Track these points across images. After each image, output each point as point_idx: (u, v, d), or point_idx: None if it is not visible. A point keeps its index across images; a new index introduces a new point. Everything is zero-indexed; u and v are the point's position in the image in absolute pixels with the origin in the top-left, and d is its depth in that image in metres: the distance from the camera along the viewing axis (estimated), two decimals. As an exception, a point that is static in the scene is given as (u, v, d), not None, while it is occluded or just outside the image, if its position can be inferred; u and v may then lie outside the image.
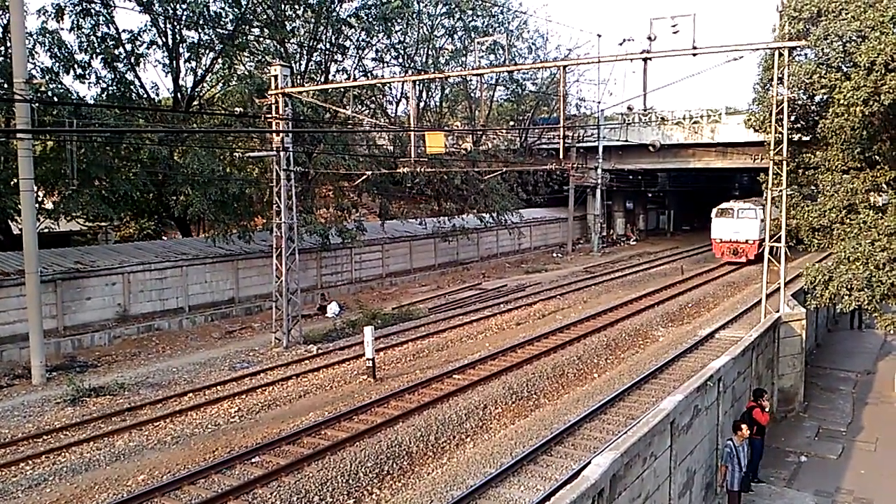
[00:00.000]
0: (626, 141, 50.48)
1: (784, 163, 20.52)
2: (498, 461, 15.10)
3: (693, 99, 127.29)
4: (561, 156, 23.09)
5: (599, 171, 53.63)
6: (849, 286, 18.86)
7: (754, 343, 17.16)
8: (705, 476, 13.83)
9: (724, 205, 44.40)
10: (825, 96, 20.42)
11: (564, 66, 21.90)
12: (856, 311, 27.62)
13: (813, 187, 23.37)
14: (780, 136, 20.17)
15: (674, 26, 18.90)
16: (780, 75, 19.72)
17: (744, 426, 13.99)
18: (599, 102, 53.16)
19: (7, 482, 14.28)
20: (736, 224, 42.83)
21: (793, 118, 21.87)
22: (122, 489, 13.97)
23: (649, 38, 19.16)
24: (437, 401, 18.50)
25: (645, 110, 31.58)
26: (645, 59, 19.08)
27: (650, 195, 65.93)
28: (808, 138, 23.21)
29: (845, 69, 19.01)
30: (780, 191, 20.73)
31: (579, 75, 60.13)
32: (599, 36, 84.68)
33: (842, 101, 18.55)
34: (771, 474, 15.94)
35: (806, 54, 21.12)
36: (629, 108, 29.91)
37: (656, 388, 19.73)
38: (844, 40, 18.64)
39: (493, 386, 19.90)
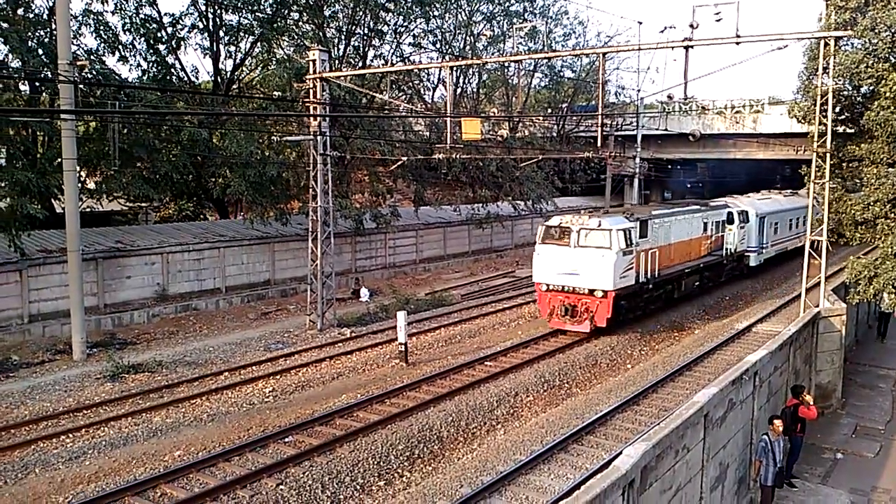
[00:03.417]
0: (666, 130, 49.80)
1: (827, 155, 20.10)
2: (528, 448, 15.10)
3: (735, 88, 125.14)
4: (599, 144, 22.95)
5: (637, 160, 53.04)
6: (895, 284, 18.43)
7: (792, 337, 16.90)
8: (738, 470, 13.68)
9: (556, 219, 23.95)
10: (871, 87, 19.95)
11: (604, 54, 21.70)
12: (885, 317, 26.98)
13: (856, 180, 22.86)
14: (825, 127, 19.75)
15: (717, 14, 18.59)
16: (825, 65, 19.29)
17: (777, 421, 13.81)
18: (639, 90, 52.48)
19: (48, 454, 14.67)
20: (576, 257, 22.75)
21: (837, 109, 21.38)
22: (159, 464, 14.26)
23: (691, 26, 18.88)
24: (468, 387, 18.56)
25: (685, 99, 31.11)
26: (686, 48, 18.80)
27: (689, 185, 65.02)
28: (852, 130, 22.69)
29: (893, 60, 18.52)
30: (823, 183, 20.31)
31: (619, 63, 59.55)
32: (640, 23, 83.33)
33: (888, 93, 18.09)
34: (806, 471, 15.73)
35: (852, 44, 20.64)
36: (669, 97, 29.39)
37: (690, 380, 19.53)
38: (893, 30, 18.16)
39: (525, 374, 19.88)
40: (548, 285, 23.53)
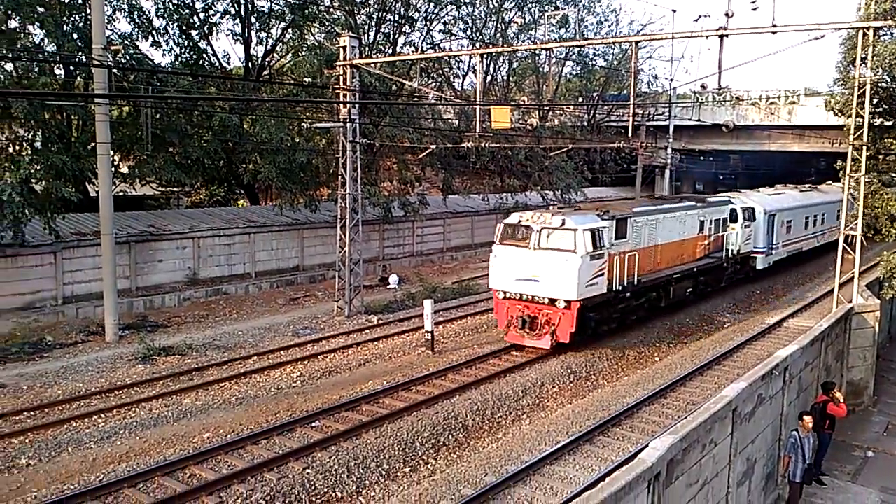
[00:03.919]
0: (699, 120, 49.19)
1: (864, 148, 19.71)
2: (553, 439, 15.08)
3: (770, 79, 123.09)
4: (630, 134, 22.76)
5: (669, 150, 52.49)
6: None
7: (824, 333, 16.66)
8: (766, 466, 13.55)
9: (516, 216, 21.16)
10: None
11: (637, 42, 21.45)
12: None
13: (893, 174, 22.41)
14: (862, 120, 19.36)
15: (753, 3, 18.31)
16: (863, 56, 18.88)
17: (806, 417, 13.65)
18: (672, 80, 51.85)
19: (81, 433, 14.95)
20: (535, 261, 19.91)
21: (875, 101, 20.92)
22: (188, 445, 14.47)
23: (727, 15, 18.60)
24: (494, 376, 18.57)
25: (719, 89, 30.70)
26: (721, 37, 18.50)
27: (721, 177, 64.19)
28: (890, 123, 22.22)
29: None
30: (858, 177, 19.94)
31: (652, 52, 58.86)
32: (674, 11, 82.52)
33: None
34: (835, 468, 15.53)
35: (892, 34, 20.18)
36: (703, 87, 29.12)
37: (719, 374, 19.37)
38: (936, 21, 17.73)
39: (551, 365, 19.83)
40: (505, 293, 20.70)
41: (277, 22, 31.96)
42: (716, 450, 10.91)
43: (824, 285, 30.71)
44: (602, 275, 20.27)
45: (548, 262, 19.61)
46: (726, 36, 18.45)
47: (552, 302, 19.82)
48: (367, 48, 32.79)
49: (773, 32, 17.83)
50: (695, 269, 26.18)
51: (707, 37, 19.04)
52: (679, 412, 16.39)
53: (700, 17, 31.22)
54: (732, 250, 29.01)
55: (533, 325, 20.20)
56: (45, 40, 24.89)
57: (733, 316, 27.08)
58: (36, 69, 24.43)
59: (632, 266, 21.76)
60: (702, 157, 57.31)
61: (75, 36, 24.81)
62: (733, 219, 29.16)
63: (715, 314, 27.01)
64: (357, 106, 25.07)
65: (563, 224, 19.64)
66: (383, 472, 13.84)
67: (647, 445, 9.51)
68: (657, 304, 24.54)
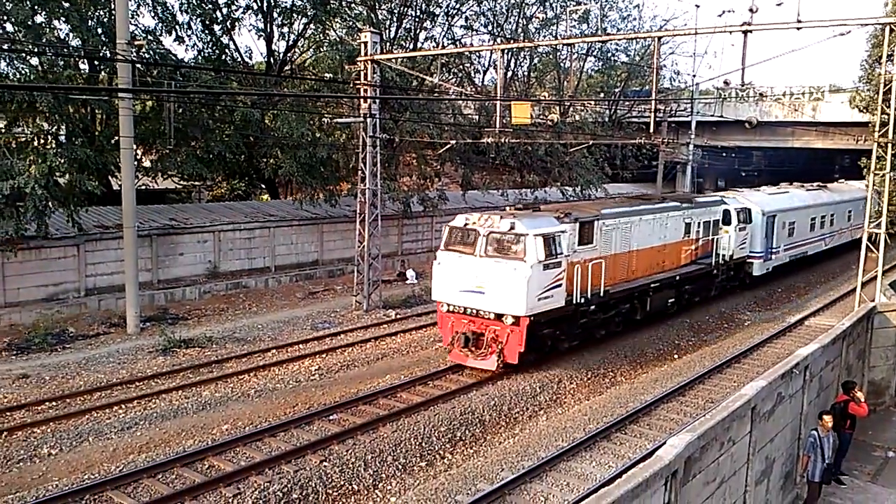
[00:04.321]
0: (721, 116, 48.75)
1: (889, 145, 19.44)
2: (571, 436, 15.07)
3: (795, 75, 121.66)
4: (651, 130, 22.58)
5: (691, 146, 52.10)
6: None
7: (846, 332, 16.45)
8: (785, 465, 13.43)
9: (461, 218, 18.95)
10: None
11: (659, 38, 21.28)
12: None
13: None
14: (887, 116, 19.10)
15: (778, -3, 18.07)
16: (889, 52, 18.62)
17: (826, 416, 13.52)
18: (694, 76, 51.48)
19: (102, 423, 15.14)
20: (481, 270, 17.71)
21: (902, 98, 20.64)
22: (207, 437, 14.62)
23: (751, 10, 18.42)
24: (511, 372, 18.56)
25: (743, 85, 30.38)
26: (745, 32, 18.32)
27: (744, 174, 63.58)
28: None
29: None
30: (884, 174, 19.68)
31: (674, 47, 58.23)
32: (697, 6, 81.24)
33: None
34: (855, 468, 15.35)
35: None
36: (726, 83, 28.73)
37: (739, 372, 19.24)
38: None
39: (569, 362, 19.77)
40: (449, 305, 18.44)
41: (299, 17, 32.07)
42: (734, 448, 10.84)
43: (846, 284, 30.39)
44: (559, 286, 17.91)
45: (494, 272, 17.37)
46: (750, 31, 18.26)
47: (499, 317, 17.55)
48: (388, 43, 32.82)
49: (798, 28, 17.64)
50: (677, 278, 23.75)
51: (731, 32, 18.85)
52: (698, 410, 16.31)
53: (724, 12, 30.95)
54: (725, 255, 26.63)
55: (478, 342, 17.96)
56: (70, 35, 25.17)
57: (754, 314, 26.86)
58: (61, 63, 24.72)
59: (597, 275, 19.49)
60: (724, 154, 56.81)
61: (100, 31, 25.04)
62: (726, 221, 26.84)
63: (735, 312, 26.80)
64: (377, 101, 25.11)
65: (512, 228, 17.47)
66: (400, 466, 13.90)
67: (664, 443, 9.48)
68: (632, 316, 22.20)
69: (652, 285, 22.34)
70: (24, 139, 23.76)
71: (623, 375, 19.75)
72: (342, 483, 13.05)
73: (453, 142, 29.57)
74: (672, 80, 54.95)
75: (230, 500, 12.02)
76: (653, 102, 22.23)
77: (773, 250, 29.86)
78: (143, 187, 28.41)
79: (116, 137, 22.93)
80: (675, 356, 21.64)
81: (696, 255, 25.16)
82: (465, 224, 18.38)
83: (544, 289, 17.45)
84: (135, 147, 23.87)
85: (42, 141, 24.23)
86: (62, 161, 22.24)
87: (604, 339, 21.29)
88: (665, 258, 23.31)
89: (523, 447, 14.67)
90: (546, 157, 41.84)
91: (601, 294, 19.76)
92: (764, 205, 29.27)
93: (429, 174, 35.71)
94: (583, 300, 19.05)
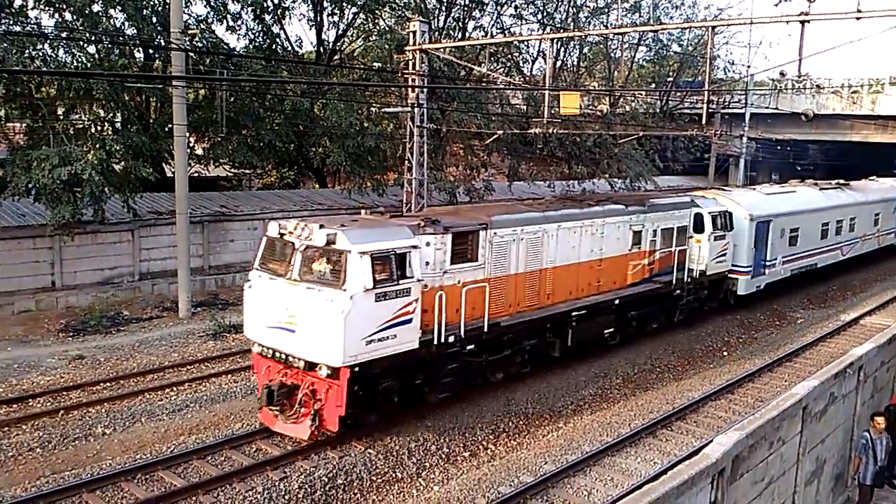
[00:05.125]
0: (777, 109, 47.56)
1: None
2: (616, 431, 14.95)
3: (853, 66, 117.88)
4: (704, 121, 22.17)
5: (745, 139, 50.97)
6: None
7: (904, 332, 15.98)
8: (836, 466, 13.13)
9: (274, 226, 14.23)
10: None
11: (713, 27, 20.82)
12: None
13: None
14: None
15: (838, -14, 17.52)
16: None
17: (878, 418, 13.16)
18: (749, 66, 50.23)
19: (154, 405, 15.53)
20: (293, 299, 13.10)
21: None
22: (255, 421, 14.82)
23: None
24: (556, 366, 18.44)
25: (799, 76, 29.49)
26: (802, 22, 17.80)
27: (799, 168, 61.97)
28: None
29: None
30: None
31: (729, 37, 56.95)
32: (753, -5, 79.74)
33: None
34: (910, 472, 14.93)
35: None
36: (782, 74, 27.77)
37: (790, 371, 18.85)
38: None
39: (616, 357, 19.59)
40: (260, 345, 13.92)
41: (349, 6, 32.18)
42: (783, 448, 10.62)
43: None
44: (406, 321, 13.26)
45: (306, 304, 12.79)
46: (808, 21, 17.74)
47: (311, 367, 12.93)
48: (436, 33, 32.75)
49: (858, 18, 17.05)
50: (617, 301, 19.00)
51: (788, 22, 18.34)
52: (746, 408, 16.04)
53: (781, 1, 30.05)
54: (695, 270, 21.94)
55: (291, 399, 13.29)
56: (126, 24, 25.68)
57: (807, 312, 26.25)
58: (116, 52, 25.25)
59: (479, 303, 14.90)
60: (779, 147, 55.46)
61: (154, 20, 25.50)
62: (698, 227, 22.13)
63: (788, 310, 26.22)
64: (425, 91, 25.12)
65: (331, 242, 12.73)
66: (443, 456, 13.95)
67: (711, 440, 9.34)
68: (547, 352, 17.77)
69: (574, 313, 17.61)
70: (81, 126, 24.36)
71: (671, 372, 19.48)
72: (386, 470, 13.17)
73: (500, 132, 29.43)
74: (726, 71, 53.79)
75: (276, 483, 12.22)
76: (706, 93, 21.83)
77: (767, 263, 25.09)
78: (196, 174, 28.93)
79: (170, 125, 23.39)
80: (725, 353, 21.30)
81: (652, 271, 20.47)
82: (281, 234, 13.75)
83: (379, 327, 12.78)
84: (188, 135, 24.30)
85: (99, 128, 24.83)
86: (118, 148, 22.76)
87: (652, 334, 20.83)
88: (601, 276, 18.67)
89: (567, 441, 14.59)
90: (595, 149, 41.35)
91: (485, 328, 15.11)
92: (753, 208, 24.49)
93: (475, 164, 35.62)
94: (452, 338, 14.37)
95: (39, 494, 11.59)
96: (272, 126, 29.63)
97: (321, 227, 13.02)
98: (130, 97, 25.89)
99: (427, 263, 13.91)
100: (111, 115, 25.12)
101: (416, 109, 24.62)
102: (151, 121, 26.87)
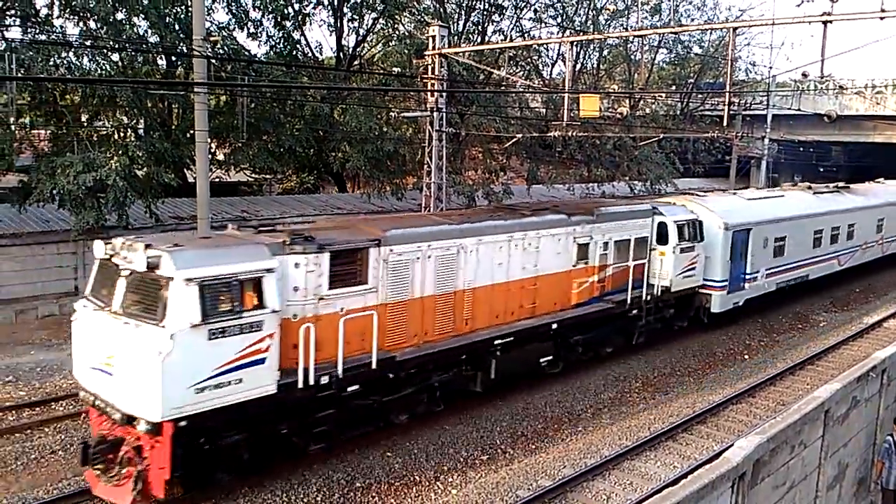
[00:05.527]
0: (799, 110, 47.07)
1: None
2: (635, 435, 14.87)
3: (877, 66, 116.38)
4: (725, 123, 22.03)
5: (766, 140, 50.55)
6: None
7: (929, 335, 15.78)
8: (859, 471, 12.98)
9: (99, 246, 11.47)
10: None
11: (734, 28, 20.71)
12: None
13: None
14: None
15: (860, -15, 17.36)
16: (984, 41, 17.68)
17: (902, 421, 13.01)
18: (771, 68, 49.80)
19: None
20: (111, 333, 10.74)
21: None
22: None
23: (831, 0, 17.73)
24: (574, 369, 18.39)
25: (822, 77, 29.21)
26: (825, 23, 17.65)
27: (821, 170, 61.31)
28: None
29: None
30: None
31: (750, 38, 56.59)
32: (775, -4, 79.05)
33: None
34: (936, 478, 14.71)
35: None
36: (804, 75, 27.46)
37: (812, 374, 18.66)
38: None
39: (636, 360, 19.52)
40: (83, 390, 11.52)
41: (369, 11, 32.38)
42: (805, 452, 10.53)
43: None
44: (257, 362, 11.02)
45: (122, 342, 10.57)
46: (830, 22, 17.58)
47: (130, 420, 10.45)
48: (455, 37, 32.84)
49: (882, 18, 16.87)
50: (555, 326, 16.64)
51: (810, 23, 18.20)
52: (767, 412, 15.91)
53: (803, 1, 29.80)
54: (657, 286, 19.64)
55: (112, 457, 10.82)
56: (149, 31, 26.01)
57: (829, 315, 25.96)
58: (140, 59, 25.57)
59: (367, 334, 12.64)
60: (801, 149, 54.91)
61: (176, 27, 25.81)
62: (661, 238, 19.89)
63: (810, 313, 25.95)
64: (444, 95, 25.19)
65: (152, 266, 10.46)
66: (461, 459, 13.96)
67: (732, 444, 9.29)
68: (467, 386, 15.65)
69: (496, 341, 15.31)
70: (104, 132, 24.69)
71: (691, 375, 19.35)
72: (404, 473, 13.19)
73: (519, 135, 29.41)
74: (747, 72, 53.37)
75: (295, 486, 12.29)
76: (727, 95, 21.69)
77: (747, 276, 22.73)
78: (217, 180, 29.18)
79: (191, 131, 23.61)
80: (746, 356, 21.09)
81: (603, 289, 18.22)
82: (109, 255, 11.34)
83: (216, 371, 10.51)
84: (209, 140, 24.53)
85: (122, 134, 25.15)
86: (141, 153, 23.03)
87: (673, 336, 20.74)
88: (536, 298, 16.43)
89: (586, 444, 14.53)
90: (614, 151, 41.21)
91: (372, 365, 12.76)
92: (729, 215, 22.04)
93: (494, 168, 35.62)
94: (326, 379, 11.99)
95: (61, 496, 11.73)
96: (292, 131, 29.85)
97: (147, 247, 10.59)
98: (153, 104, 26.18)
99: (296, 289, 11.78)
100: (134, 121, 25.43)
101: (435, 114, 24.69)
102: (173, 127, 27.16)
